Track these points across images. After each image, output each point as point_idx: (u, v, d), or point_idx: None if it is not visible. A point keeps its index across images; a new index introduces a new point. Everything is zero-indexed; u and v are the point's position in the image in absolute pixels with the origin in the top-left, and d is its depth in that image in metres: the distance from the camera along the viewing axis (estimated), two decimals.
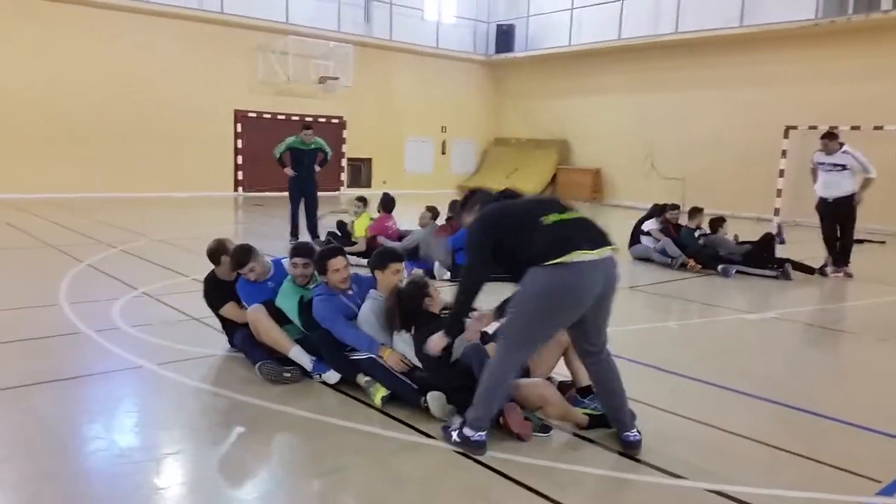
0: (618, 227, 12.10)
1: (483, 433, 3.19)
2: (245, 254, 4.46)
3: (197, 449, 3.31)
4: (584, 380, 3.68)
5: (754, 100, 16.43)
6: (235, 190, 18.09)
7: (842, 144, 8.31)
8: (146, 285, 6.58)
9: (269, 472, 3.14)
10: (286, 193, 10.39)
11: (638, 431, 3.29)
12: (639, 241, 9.39)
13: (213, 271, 4.72)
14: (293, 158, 10.03)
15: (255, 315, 4.24)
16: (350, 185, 19.77)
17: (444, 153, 22.65)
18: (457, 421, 3.35)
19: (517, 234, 3.12)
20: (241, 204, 16.56)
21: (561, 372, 3.93)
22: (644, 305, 7.26)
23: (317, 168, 10.24)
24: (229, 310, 4.56)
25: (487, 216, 3.27)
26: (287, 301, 4.32)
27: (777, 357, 5.35)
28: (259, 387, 3.99)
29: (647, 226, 9.33)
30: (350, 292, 4.25)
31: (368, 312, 4.01)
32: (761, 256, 8.57)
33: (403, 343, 3.85)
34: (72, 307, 5.72)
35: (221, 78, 17.41)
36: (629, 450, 3.24)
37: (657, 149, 18.59)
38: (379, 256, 4.23)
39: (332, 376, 4.02)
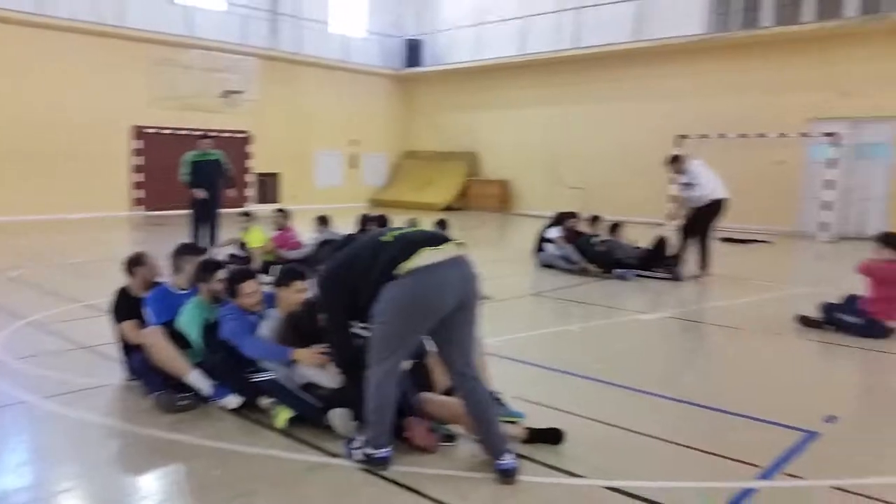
0: (526, 236, 12.49)
1: (385, 449, 3.19)
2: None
3: (90, 485, 3.15)
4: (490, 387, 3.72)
5: (650, 111, 17.27)
6: (132, 209, 17.33)
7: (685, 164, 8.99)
8: (33, 314, 6.18)
9: None
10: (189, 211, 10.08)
11: (514, 455, 3.13)
12: (543, 249, 9.68)
13: (125, 285, 4.53)
14: (197, 172, 9.80)
15: (152, 338, 4.07)
16: (260, 201, 19.30)
17: (354, 167, 22.54)
18: (361, 437, 3.34)
19: (363, 268, 3.11)
20: (140, 223, 15.86)
21: None
22: (548, 310, 7.48)
23: (230, 193, 10.27)
24: (127, 326, 4.34)
25: (328, 274, 3.30)
26: (190, 323, 4.17)
27: (672, 355, 5.64)
28: (154, 416, 3.83)
29: (550, 233, 9.63)
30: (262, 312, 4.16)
31: (267, 333, 3.92)
32: (656, 259, 9.03)
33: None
34: None
35: (120, 93, 16.66)
36: (505, 478, 3.07)
37: (561, 160, 19.20)
38: (284, 274, 4.16)
39: (232, 401, 3.89)
